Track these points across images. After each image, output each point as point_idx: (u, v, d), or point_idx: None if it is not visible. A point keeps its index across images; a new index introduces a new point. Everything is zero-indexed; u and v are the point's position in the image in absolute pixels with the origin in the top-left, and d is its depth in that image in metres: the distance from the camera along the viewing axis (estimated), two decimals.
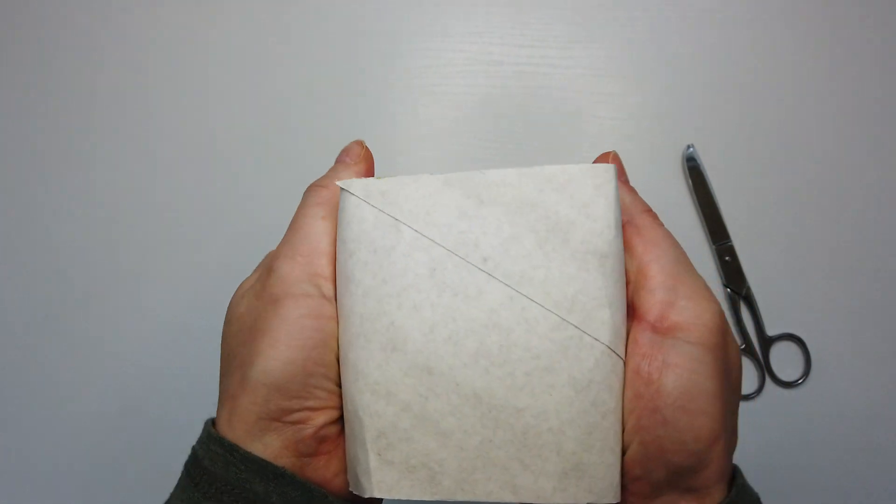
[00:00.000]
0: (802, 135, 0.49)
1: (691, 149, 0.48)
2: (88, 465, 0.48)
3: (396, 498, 0.24)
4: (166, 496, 0.26)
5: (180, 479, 0.25)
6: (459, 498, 0.24)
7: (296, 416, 0.24)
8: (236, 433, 0.24)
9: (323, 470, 0.25)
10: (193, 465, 0.25)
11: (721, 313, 0.24)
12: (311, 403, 0.24)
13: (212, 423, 0.26)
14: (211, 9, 0.51)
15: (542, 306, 0.23)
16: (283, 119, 0.50)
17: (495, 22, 0.51)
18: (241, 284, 0.29)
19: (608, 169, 0.24)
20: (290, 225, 0.27)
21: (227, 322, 0.27)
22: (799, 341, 0.47)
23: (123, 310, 0.49)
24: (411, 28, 0.51)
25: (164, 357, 0.48)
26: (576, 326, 0.23)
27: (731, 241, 0.48)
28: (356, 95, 0.50)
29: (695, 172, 0.48)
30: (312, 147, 0.50)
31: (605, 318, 0.23)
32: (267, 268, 0.26)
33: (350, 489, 0.25)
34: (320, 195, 0.27)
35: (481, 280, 0.23)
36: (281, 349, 0.24)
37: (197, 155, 0.50)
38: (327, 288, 0.25)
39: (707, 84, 0.50)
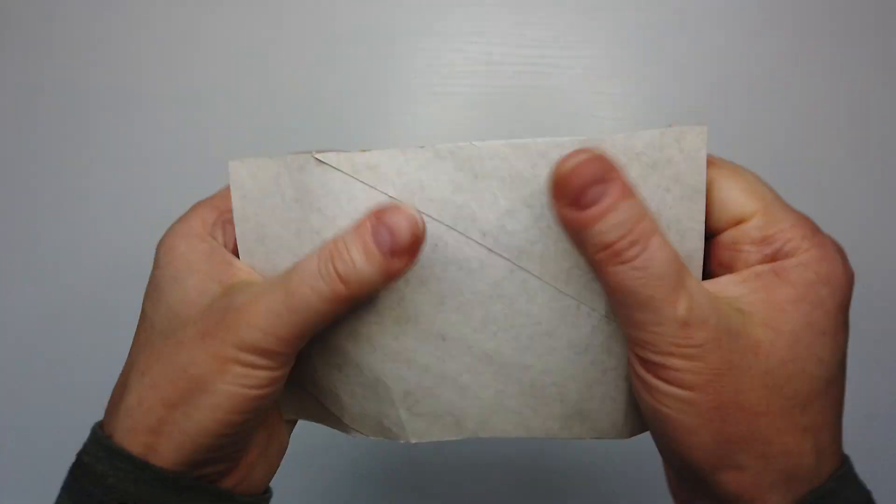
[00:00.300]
0: (803, 135, 0.49)
1: None
2: None
3: (427, 441, 0.27)
4: None
5: (69, 491, 0.24)
6: (482, 436, 0.26)
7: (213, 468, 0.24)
8: (139, 441, 0.23)
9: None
10: (89, 480, 0.23)
11: None
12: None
13: (100, 428, 0.24)
14: (210, 9, 0.51)
15: (540, 279, 0.24)
16: (282, 119, 0.50)
17: (495, 22, 0.51)
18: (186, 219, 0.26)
19: (597, 141, 0.23)
20: (287, 280, 0.23)
21: (161, 267, 0.25)
22: None
23: (123, 310, 0.49)
24: (411, 28, 0.51)
25: None
26: (572, 297, 0.24)
27: None
28: (356, 95, 0.50)
29: None
30: (311, 148, 0.50)
31: (598, 290, 0.24)
32: (221, 321, 0.23)
33: (374, 437, 0.27)
34: (333, 290, 0.22)
35: (482, 254, 0.24)
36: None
37: (196, 156, 0.50)
38: (280, 361, 0.24)
39: (707, 84, 0.50)
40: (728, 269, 0.23)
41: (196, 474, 0.24)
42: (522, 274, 0.24)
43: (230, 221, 0.26)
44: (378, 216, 0.22)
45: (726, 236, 0.23)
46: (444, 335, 0.25)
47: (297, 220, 0.25)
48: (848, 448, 0.26)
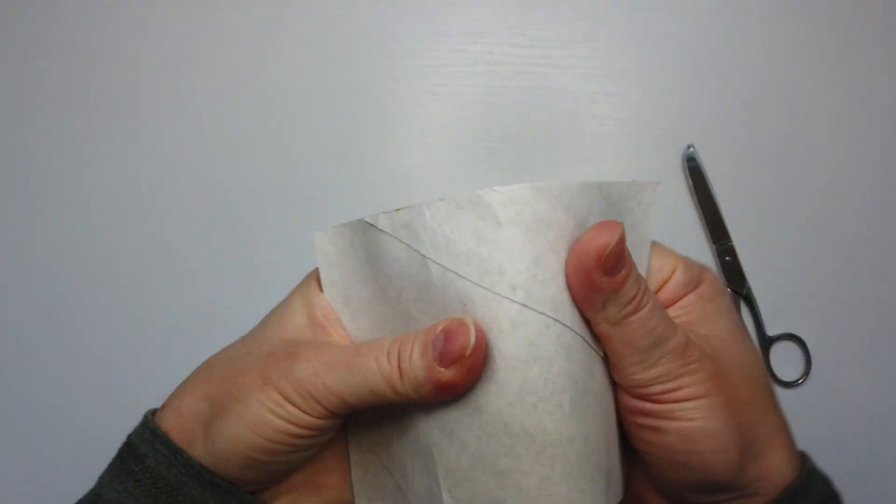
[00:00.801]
0: (803, 134, 0.49)
1: (691, 149, 0.48)
2: (87, 464, 0.48)
3: None
4: None
5: (113, 467, 0.26)
6: None
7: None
8: (189, 439, 0.25)
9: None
10: (132, 459, 0.25)
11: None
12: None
13: (152, 415, 0.26)
14: (209, 11, 0.51)
15: (574, 331, 0.23)
16: (282, 120, 0.50)
17: (495, 22, 0.51)
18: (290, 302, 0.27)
19: (593, 187, 0.24)
20: (362, 347, 0.24)
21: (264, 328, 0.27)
22: (799, 341, 0.47)
23: (123, 310, 0.49)
24: (411, 28, 0.51)
25: (162, 357, 0.48)
26: (592, 346, 0.24)
27: (731, 241, 0.48)
28: (356, 96, 0.50)
29: (695, 172, 0.48)
30: (312, 148, 0.50)
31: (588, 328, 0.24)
32: (292, 354, 0.25)
33: None
34: (390, 370, 0.23)
35: (513, 312, 0.22)
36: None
37: (195, 156, 0.50)
38: (316, 410, 0.24)
39: (707, 84, 0.50)
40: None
41: (228, 477, 0.24)
42: (559, 328, 0.22)
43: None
44: (444, 323, 0.23)
45: (665, 291, 0.27)
46: (480, 408, 0.22)
47: (372, 279, 0.25)
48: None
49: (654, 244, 0.27)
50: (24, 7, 0.52)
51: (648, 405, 0.24)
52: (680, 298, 0.27)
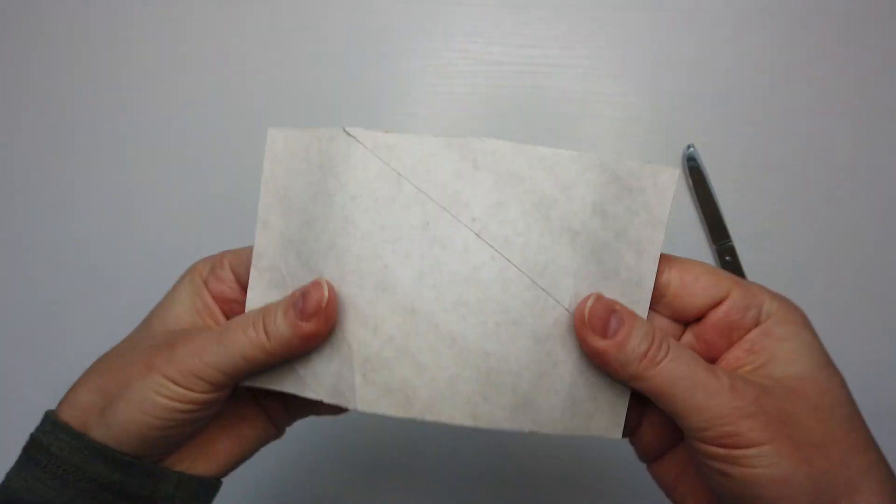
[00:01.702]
0: (803, 134, 0.49)
1: (691, 149, 0.48)
2: None
3: (373, 412, 0.27)
4: None
5: (19, 461, 0.28)
6: (427, 419, 0.27)
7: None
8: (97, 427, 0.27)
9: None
10: (36, 450, 0.27)
11: None
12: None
13: (52, 413, 0.28)
14: (209, 9, 0.51)
15: (519, 269, 0.27)
16: (282, 120, 0.50)
17: (496, 22, 0.51)
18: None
19: (592, 159, 0.27)
20: (229, 324, 0.28)
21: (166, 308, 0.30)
22: None
23: (122, 308, 0.49)
24: (411, 28, 0.51)
25: None
26: (543, 289, 0.27)
27: (731, 240, 0.48)
28: (356, 95, 0.50)
29: (695, 172, 0.48)
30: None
31: (568, 286, 0.27)
32: (170, 343, 0.28)
33: (326, 400, 0.28)
34: (258, 336, 0.27)
35: (469, 238, 0.27)
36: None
37: (194, 157, 0.50)
38: (200, 386, 0.27)
39: (707, 84, 0.50)
40: (726, 338, 0.27)
41: (130, 452, 0.27)
42: (502, 262, 0.27)
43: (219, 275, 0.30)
44: (302, 289, 0.27)
45: (714, 314, 0.27)
46: (415, 310, 0.27)
47: (316, 182, 0.28)
48: None
49: (700, 264, 0.28)
50: (23, 7, 0.52)
51: (713, 448, 0.24)
52: (741, 328, 0.26)
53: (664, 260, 0.27)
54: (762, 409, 0.24)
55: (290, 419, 0.32)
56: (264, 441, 0.32)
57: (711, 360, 0.27)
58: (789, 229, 0.48)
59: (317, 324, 0.26)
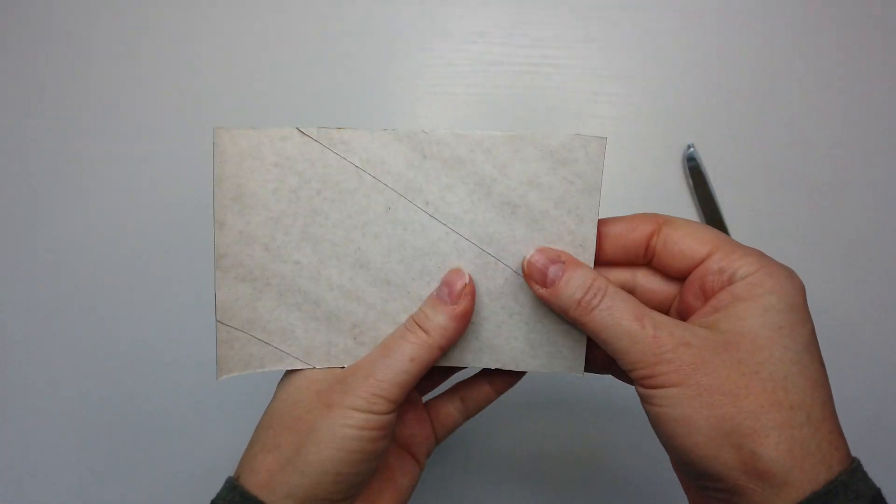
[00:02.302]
0: (803, 134, 0.49)
1: (692, 149, 0.48)
2: (87, 461, 0.48)
3: None
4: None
5: None
6: None
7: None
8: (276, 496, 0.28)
9: None
10: None
11: None
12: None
13: (235, 480, 0.29)
14: (211, 7, 0.51)
15: (469, 241, 0.31)
16: (282, 119, 0.50)
17: (496, 22, 0.51)
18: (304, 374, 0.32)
19: (522, 138, 0.30)
20: (384, 343, 0.31)
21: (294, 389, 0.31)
22: None
23: (121, 307, 0.49)
24: (412, 28, 0.51)
25: (162, 352, 0.48)
26: (492, 255, 0.31)
27: None
28: (356, 96, 0.50)
29: (695, 172, 0.48)
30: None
31: (513, 251, 0.31)
32: (340, 379, 0.30)
33: (317, 365, 0.32)
34: (417, 336, 0.30)
35: (424, 219, 0.31)
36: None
37: (195, 157, 0.50)
38: (380, 405, 0.29)
39: (707, 84, 0.50)
40: (700, 299, 0.29)
41: (323, 499, 0.28)
42: (455, 236, 0.31)
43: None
44: (443, 281, 0.31)
45: (694, 275, 0.29)
46: (389, 281, 0.32)
47: (274, 180, 0.31)
48: (850, 447, 0.26)
49: (697, 224, 0.30)
50: (23, 7, 0.52)
51: (638, 388, 0.27)
52: (712, 289, 0.28)
53: (656, 220, 0.30)
54: (678, 357, 0.26)
55: (434, 446, 0.36)
56: (415, 484, 0.34)
57: (687, 314, 0.30)
58: (789, 229, 0.48)
59: (468, 301, 0.30)
